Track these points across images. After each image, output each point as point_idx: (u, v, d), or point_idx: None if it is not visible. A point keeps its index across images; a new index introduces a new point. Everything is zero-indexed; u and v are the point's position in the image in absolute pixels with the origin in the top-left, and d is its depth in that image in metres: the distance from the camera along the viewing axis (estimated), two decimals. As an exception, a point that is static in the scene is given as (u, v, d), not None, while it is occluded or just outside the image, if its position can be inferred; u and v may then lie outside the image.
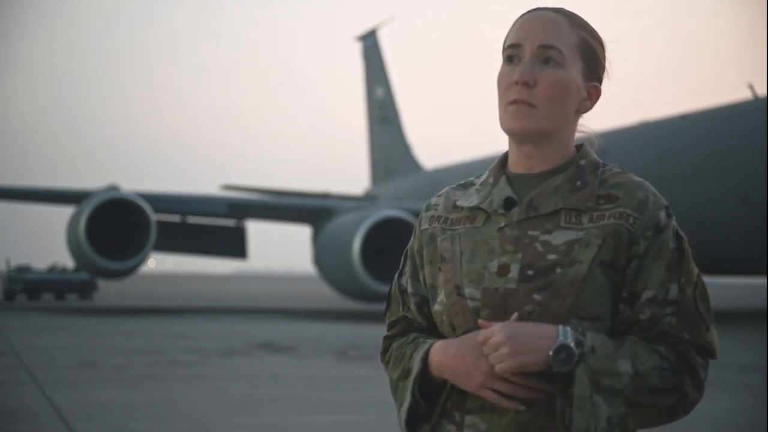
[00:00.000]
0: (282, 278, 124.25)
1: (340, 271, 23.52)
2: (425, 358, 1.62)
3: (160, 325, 18.20)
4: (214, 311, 25.04)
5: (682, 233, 1.60)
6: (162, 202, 26.49)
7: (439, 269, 1.66)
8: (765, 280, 23.62)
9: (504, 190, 1.64)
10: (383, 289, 21.17)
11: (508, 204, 1.62)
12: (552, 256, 1.55)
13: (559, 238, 1.56)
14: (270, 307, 28.13)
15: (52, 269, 32.97)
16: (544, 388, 1.52)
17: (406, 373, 1.65)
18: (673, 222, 1.59)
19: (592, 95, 1.66)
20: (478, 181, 1.71)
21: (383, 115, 42.46)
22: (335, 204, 28.09)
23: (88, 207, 23.60)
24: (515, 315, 1.54)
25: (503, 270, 1.57)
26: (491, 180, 1.68)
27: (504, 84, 1.62)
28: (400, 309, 1.75)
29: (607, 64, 1.69)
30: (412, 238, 1.76)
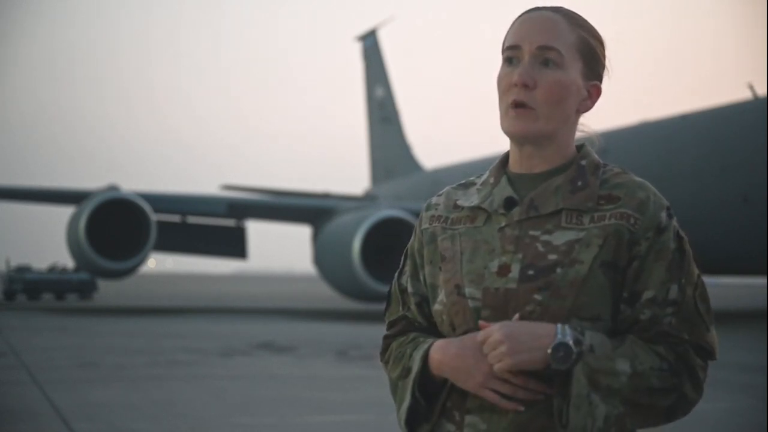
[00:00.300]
0: (282, 278, 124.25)
1: (340, 271, 23.52)
2: (425, 357, 1.62)
3: (160, 325, 18.20)
4: (214, 311, 25.03)
5: (683, 234, 1.60)
6: (162, 202, 26.49)
7: (440, 269, 1.66)
8: (765, 280, 23.61)
9: (505, 190, 1.63)
10: (383, 289, 21.17)
11: (509, 204, 1.62)
12: (553, 256, 1.55)
13: (559, 238, 1.56)
14: (270, 307, 28.13)
15: (52, 269, 32.97)
16: (543, 389, 1.52)
17: (406, 372, 1.64)
18: (674, 222, 1.59)
19: (593, 94, 1.66)
20: (479, 181, 1.71)
21: (383, 115, 42.46)
22: (335, 204, 28.09)
23: (88, 207, 23.60)
24: (516, 316, 1.54)
25: (504, 270, 1.57)
26: (492, 180, 1.68)
27: (504, 85, 1.62)
28: (400, 308, 1.75)
29: (607, 63, 1.68)
30: (412, 238, 1.76)
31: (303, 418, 7.28)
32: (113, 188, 25.41)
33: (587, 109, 1.67)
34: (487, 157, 29.55)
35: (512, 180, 1.65)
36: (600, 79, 1.67)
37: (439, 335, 1.67)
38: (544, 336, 1.49)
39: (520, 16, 1.66)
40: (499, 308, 1.56)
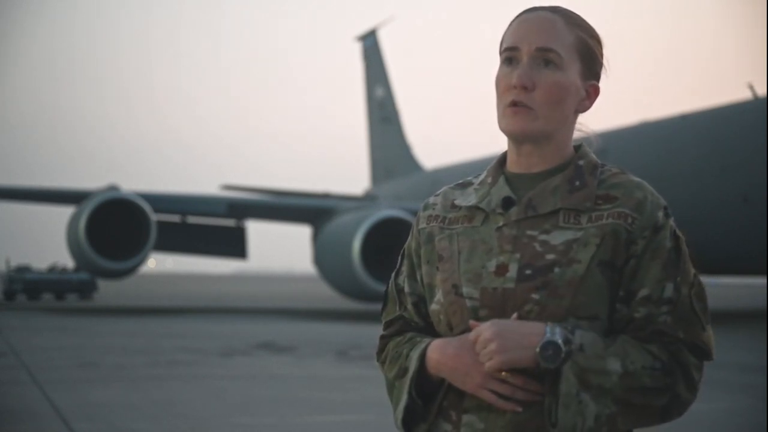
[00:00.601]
0: (282, 278, 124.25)
1: (340, 271, 23.52)
2: (422, 357, 1.62)
3: (160, 325, 18.20)
4: (214, 311, 25.03)
5: (679, 233, 1.61)
6: (162, 202, 26.49)
7: (437, 268, 1.66)
8: (765, 280, 23.61)
9: (502, 190, 1.64)
10: (383, 289, 21.12)
11: (507, 204, 1.62)
12: (550, 256, 1.55)
13: (557, 238, 1.57)
14: (270, 307, 28.13)
15: (52, 269, 32.97)
16: (541, 390, 1.52)
17: (403, 372, 1.64)
18: (671, 222, 1.60)
19: (591, 94, 1.67)
20: (476, 181, 1.71)
21: (383, 115, 42.46)
22: (335, 204, 28.09)
23: (88, 207, 23.60)
24: (515, 315, 1.54)
25: (501, 269, 1.57)
26: (489, 179, 1.68)
27: (502, 86, 1.62)
28: (397, 308, 1.75)
29: (605, 61, 1.68)
30: (409, 238, 1.76)
31: (303, 418, 7.29)
32: (113, 188, 25.41)
33: (586, 109, 1.67)
34: (487, 157, 29.55)
35: (510, 180, 1.65)
36: (598, 78, 1.68)
37: (436, 335, 1.67)
38: (533, 334, 1.49)
39: (517, 17, 1.66)
40: (497, 308, 1.56)
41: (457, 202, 1.69)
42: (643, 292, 1.56)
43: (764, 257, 20.43)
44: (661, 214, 1.58)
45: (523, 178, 1.64)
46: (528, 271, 1.55)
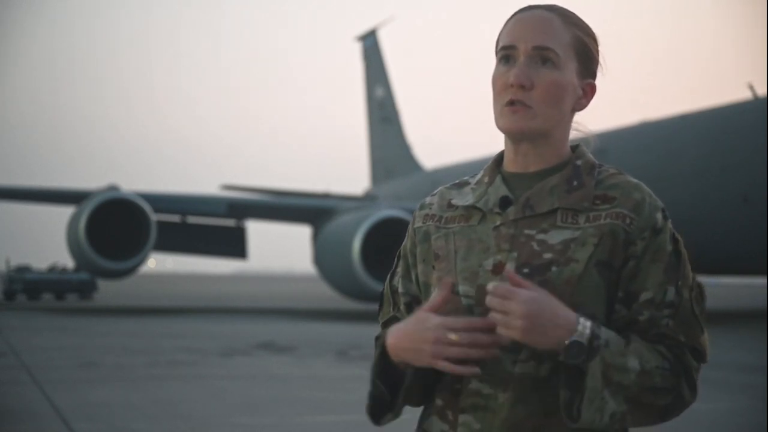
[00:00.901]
0: (282, 278, 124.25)
1: (340, 271, 23.53)
2: (383, 344, 1.62)
3: (160, 325, 18.21)
4: (214, 311, 25.04)
5: (678, 236, 1.61)
6: (162, 202, 26.50)
7: (433, 267, 1.66)
8: (765, 280, 23.62)
9: (499, 189, 1.64)
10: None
11: (504, 203, 1.62)
12: (548, 255, 1.56)
13: (555, 238, 1.57)
14: (270, 307, 28.14)
15: (52, 269, 32.97)
16: (496, 342, 1.51)
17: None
18: (669, 224, 1.60)
19: (588, 93, 1.67)
20: (473, 180, 1.71)
21: (383, 115, 42.47)
22: (335, 204, 28.11)
23: (88, 207, 23.60)
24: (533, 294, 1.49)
25: (499, 268, 1.57)
26: (486, 179, 1.68)
27: (499, 85, 1.62)
28: (391, 309, 1.76)
29: (601, 59, 1.69)
30: (405, 238, 1.76)
31: (303, 418, 7.29)
32: (113, 188, 25.42)
33: (582, 107, 1.67)
34: (486, 157, 29.49)
35: (507, 179, 1.66)
36: (594, 76, 1.68)
37: None
38: (563, 327, 1.47)
39: (514, 15, 1.66)
40: None
41: (453, 201, 1.69)
42: (646, 296, 1.56)
43: (764, 257, 20.43)
44: (659, 215, 1.59)
45: (520, 178, 1.64)
46: (525, 270, 1.55)
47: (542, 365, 1.53)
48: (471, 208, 1.66)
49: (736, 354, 11.99)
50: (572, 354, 1.47)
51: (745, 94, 22.27)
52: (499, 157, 1.70)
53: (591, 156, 1.67)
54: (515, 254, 1.57)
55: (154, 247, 24.86)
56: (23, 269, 31.72)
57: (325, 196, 34.55)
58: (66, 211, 25.90)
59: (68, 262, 30.15)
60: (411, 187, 35.64)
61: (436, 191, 1.76)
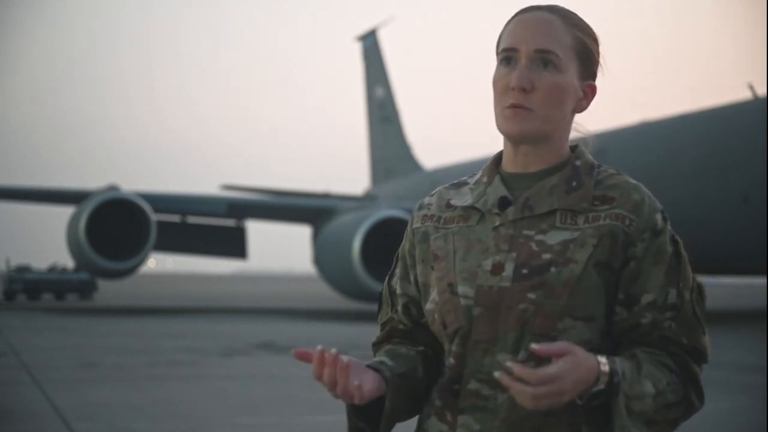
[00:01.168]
0: (282, 278, 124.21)
1: (340, 271, 23.52)
2: None
3: (160, 325, 18.21)
4: (214, 311, 25.04)
5: (677, 237, 1.61)
6: (162, 202, 26.50)
7: (432, 268, 1.65)
8: (765, 280, 23.61)
9: (498, 190, 1.63)
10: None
11: (503, 203, 1.62)
12: (547, 256, 1.55)
13: (554, 238, 1.57)
14: (270, 307, 28.13)
15: (52, 269, 32.98)
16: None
17: None
18: (669, 226, 1.60)
19: (588, 94, 1.66)
20: (471, 181, 1.71)
21: (383, 115, 42.47)
22: (335, 204, 28.10)
23: (88, 207, 23.60)
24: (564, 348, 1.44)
25: (497, 268, 1.57)
26: (485, 179, 1.68)
27: (500, 87, 1.62)
28: (390, 311, 1.76)
29: (601, 60, 1.68)
30: (403, 239, 1.76)
31: (303, 418, 7.29)
32: (113, 188, 25.42)
33: (583, 109, 1.67)
34: (486, 157, 29.49)
35: (506, 179, 1.65)
36: (595, 78, 1.67)
37: (424, 337, 1.69)
38: (590, 380, 1.44)
39: (515, 16, 1.65)
40: (492, 307, 1.56)
41: (452, 202, 1.69)
42: (647, 298, 1.56)
43: (764, 257, 20.43)
44: (659, 216, 1.59)
45: (519, 178, 1.64)
46: (524, 271, 1.55)
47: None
48: (470, 209, 1.65)
49: (736, 354, 11.99)
50: (595, 398, 1.47)
51: (745, 94, 22.28)
52: (498, 157, 1.70)
53: (590, 156, 1.67)
54: (514, 255, 1.57)
55: (154, 247, 24.86)
56: (23, 269, 31.73)
57: (325, 196, 34.55)
58: (66, 211, 25.90)
59: (68, 262, 30.18)
60: (411, 187, 35.64)
61: (434, 191, 1.76)
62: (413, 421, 1.72)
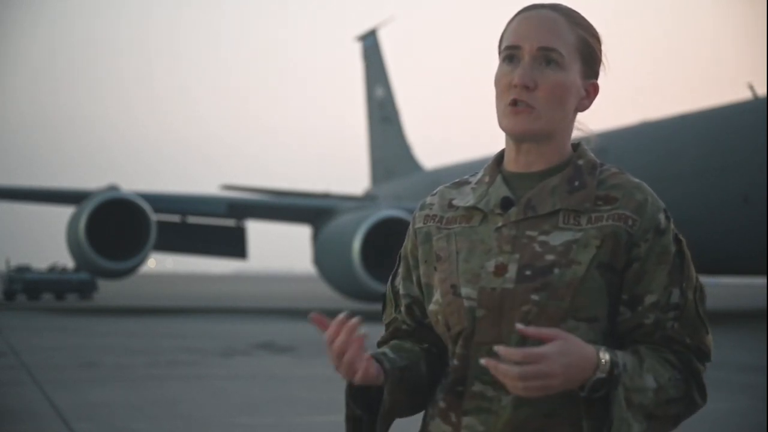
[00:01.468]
0: (282, 278, 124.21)
1: (340, 271, 23.52)
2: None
3: (160, 325, 18.21)
4: (214, 311, 25.04)
5: (681, 237, 1.60)
6: (162, 202, 26.49)
7: (435, 268, 1.65)
8: (765, 280, 23.61)
9: (500, 190, 1.63)
10: (383, 289, 21.14)
11: (506, 204, 1.61)
12: (550, 257, 1.55)
13: (557, 239, 1.56)
14: (270, 307, 28.13)
15: (52, 269, 32.98)
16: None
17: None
18: (672, 225, 1.59)
19: (591, 93, 1.66)
20: (473, 180, 1.70)
21: (383, 114, 42.47)
22: (335, 204, 28.10)
23: (88, 207, 23.60)
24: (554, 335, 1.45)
25: (500, 270, 1.56)
26: (487, 179, 1.67)
27: (503, 84, 1.61)
28: (393, 311, 1.76)
29: (603, 58, 1.67)
30: (405, 239, 1.75)
31: (303, 418, 7.29)
32: (113, 188, 25.41)
33: (585, 108, 1.66)
34: (487, 157, 29.48)
35: (508, 179, 1.64)
36: (597, 76, 1.67)
37: (427, 337, 1.69)
38: (588, 368, 1.45)
39: (518, 14, 1.64)
40: (495, 308, 1.55)
41: (455, 202, 1.68)
42: (650, 298, 1.56)
43: (764, 257, 20.43)
44: (662, 216, 1.58)
45: (521, 178, 1.63)
46: (527, 272, 1.54)
47: None
48: (472, 209, 1.64)
49: (736, 354, 11.99)
50: (596, 389, 1.47)
51: (745, 94, 22.28)
52: (500, 156, 1.69)
53: (592, 155, 1.66)
54: (517, 256, 1.56)
55: (154, 247, 24.85)
56: (23, 269, 31.74)
57: (325, 196, 34.54)
58: (66, 211, 25.89)
59: (68, 262, 30.17)
60: (411, 187, 35.63)
61: (436, 191, 1.75)
62: (417, 422, 1.72)
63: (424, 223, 1.71)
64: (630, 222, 1.56)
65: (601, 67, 1.67)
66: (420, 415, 1.71)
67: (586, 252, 1.54)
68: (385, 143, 42.07)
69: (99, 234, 23.61)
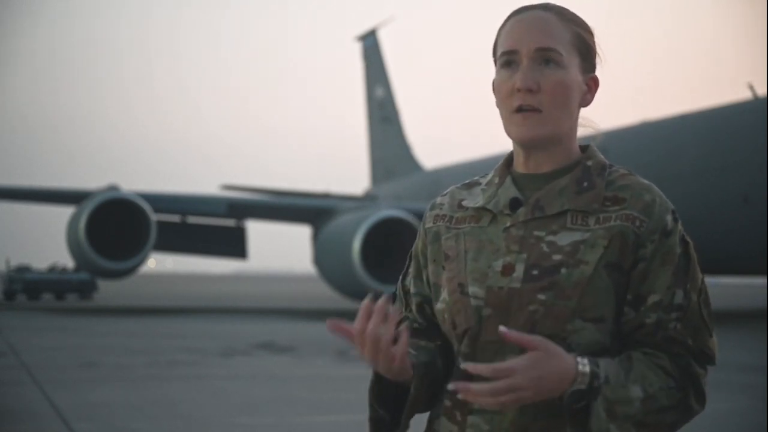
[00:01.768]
0: (282, 278, 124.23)
1: (340, 271, 23.53)
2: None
3: (160, 325, 18.21)
4: (214, 311, 25.04)
5: (688, 238, 1.60)
6: (162, 202, 26.50)
7: (443, 268, 1.65)
8: (765, 280, 23.62)
9: (509, 191, 1.63)
10: (383, 289, 21.19)
11: (514, 204, 1.61)
12: (557, 257, 1.54)
13: (564, 239, 1.56)
14: (270, 307, 28.14)
15: (52, 269, 32.99)
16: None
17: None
18: (680, 226, 1.59)
19: (592, 87, 1.66)
20: (484, 181, 1.70)
21: (383, 114, 42.48)
22: (335, 204, 28.11)
23: (88, 207, 23.60)
24: (533, 353, 1.45)
25: (508, 269, 1.56)
26: (497, 180, 1.67)
27: (504, 91, 1.60)
28: (404, 310, 1.76)
29: (599, 50, 1.67)
30: (416, 239, 1.76)
31: (303, 418, 7.29)
32: (113, 188, 25.42)
33: (588, 103, 1.66)
34: (487, 156, 29.53)
35: (517, 180, 1.64)
36: (594, 69, 1.67)
37: (437, 336, 1.68)
38: (565, 379, 1.45)
39: (509, 18, 1.63)
40: (501, 308, 1.55)
41: (464, 202, 1.68)
42: (654, 298, 1.55)
43: (764, 257, 20.44)
44: (669, 217, 1.57)
45: (530, 179, 1.63)
46: (535, 272, 1.54)
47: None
48: (481, 210, 1.65)
49: (736, 354, 11.99)
50: (574, 400, 1.46)
51: (745, 94, 22.29)
52: (510, 158, 1.69)
53: (602, 156, 1.66)
54: (524, 256, 1.56)
55: (154, 247, 24.86)
56: (23, 269, 31.76)
57: (325, 196, 34.55)
58: (66, 211, 25.90)
59: (68, 262, 30.20)
60: (411, 187, 35.63)
61: (446, 191, 1.75)
62: (422, 422, 1.72)
63: (434, 223, 1.71)
64: (638, 222, 1.55)
65: (597, 59, 1.67)
66: (425, 414, 1.71)
67: (593, 252, 1.54)
68: (385, 143, 42.08)
69: (99, 234, 23.62)
